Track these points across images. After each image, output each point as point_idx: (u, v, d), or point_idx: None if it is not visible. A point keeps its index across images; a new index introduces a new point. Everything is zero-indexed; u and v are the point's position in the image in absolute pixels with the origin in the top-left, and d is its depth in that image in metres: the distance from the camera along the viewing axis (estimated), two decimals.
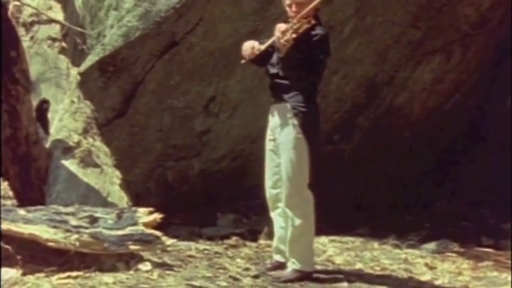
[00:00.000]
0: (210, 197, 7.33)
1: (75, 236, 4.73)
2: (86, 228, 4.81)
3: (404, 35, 7.31)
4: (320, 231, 5.59)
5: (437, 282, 5.44)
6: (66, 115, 6.15)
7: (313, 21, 4.77)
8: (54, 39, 6.89)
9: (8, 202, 6.49)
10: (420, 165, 8.18)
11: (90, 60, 6.68)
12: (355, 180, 7.66)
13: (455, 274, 5.70)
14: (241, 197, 7.37)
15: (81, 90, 6.50)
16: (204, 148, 7.24)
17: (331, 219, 6.48)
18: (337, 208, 7.13)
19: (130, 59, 6.60)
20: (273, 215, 5.08)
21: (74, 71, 6.57)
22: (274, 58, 4.89)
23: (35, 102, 6.30)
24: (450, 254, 6.30)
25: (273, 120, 4.93)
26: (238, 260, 5.38)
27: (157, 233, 4.89)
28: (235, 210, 7.32)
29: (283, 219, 4.94)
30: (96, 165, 5.92)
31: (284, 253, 4.98)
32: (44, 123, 6.43)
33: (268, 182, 5.00)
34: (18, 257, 4.68)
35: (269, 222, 5.27)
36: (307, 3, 4.78)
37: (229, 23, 6.65)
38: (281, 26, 4.72)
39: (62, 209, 5.00)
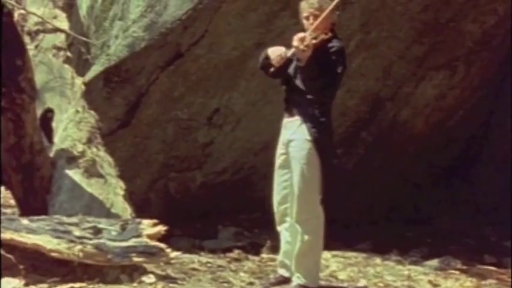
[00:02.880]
0: (212, 210, 7.31)
1: (79, 246, 4.69)
2: (90, 239, 4.76)
3: (409, 50, 7.32)
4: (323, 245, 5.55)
5: None
6: (71, 125, 6.12)
7: (330, 34, 4.72)
8: (59, 49, 6.85)
9: (8, 210, 6.43)
10: (422, 181, 8.18)
11: (95, 70, 6.69)
12: (358, 194, 7.66)
13: None
14: (243, 210, 7.36)
15: (86, 100, 6.49)
16: (207, 160, 7.23)
17: (333, 233, 6.44)
18: (340, 222, 7.11)
19: (135, 70, 6.61)
20: (280, 229, 4.99)
21: (79, 81, 6.54)
22: (291, 70, 4.82)
23: (39, 111, 6.24)
24: (453, 271, 6.27)
25: (285, 134, 4.81)
26: (242, 273, 5.34)
27: (162, 245, 4.84)
28: (236, 223, 7.29)
29: (289, 234, 4.88)
30: (100, 176, 5.86)
31: (289, 267, 4.93)
32: (48, 132, 6.38)
33: (276, 196, 4.91)
34: (21, 267, 4.65)
35: (271, 236, 5.23)
36: (325, 16, 4.73)
37: (234, 36, 6.65)
38: (299, 34, 4.61)
39: (65, 219, 4.95)
